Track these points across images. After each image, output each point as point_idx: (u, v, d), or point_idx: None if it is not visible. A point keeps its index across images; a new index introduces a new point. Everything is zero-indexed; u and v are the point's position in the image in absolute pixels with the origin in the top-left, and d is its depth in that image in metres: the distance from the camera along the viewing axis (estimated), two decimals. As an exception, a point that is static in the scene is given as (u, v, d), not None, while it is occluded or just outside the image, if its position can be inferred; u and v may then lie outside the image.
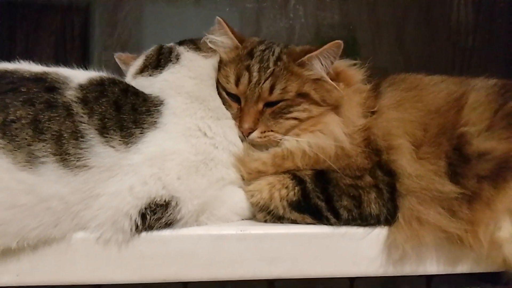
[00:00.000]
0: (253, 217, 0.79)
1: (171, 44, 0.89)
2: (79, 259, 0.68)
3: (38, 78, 0.70)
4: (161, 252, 0.70)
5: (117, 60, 0.93)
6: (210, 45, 0.88)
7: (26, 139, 0.63)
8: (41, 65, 0.77)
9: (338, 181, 0.75)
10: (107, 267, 0.69)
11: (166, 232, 0.70)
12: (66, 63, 0.79)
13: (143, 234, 0.69)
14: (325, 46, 0.81)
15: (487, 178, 0.72)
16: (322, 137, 0.79)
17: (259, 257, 0.72)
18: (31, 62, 0.80)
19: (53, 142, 0.64)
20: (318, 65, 0.82)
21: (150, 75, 0.82)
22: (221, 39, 0.88)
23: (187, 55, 0.85)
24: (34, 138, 0.64)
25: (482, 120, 0.77)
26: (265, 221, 0.77)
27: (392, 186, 0.75)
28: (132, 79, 0.84)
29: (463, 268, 0.77)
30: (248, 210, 0.79)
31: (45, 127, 0.65)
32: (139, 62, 0.87)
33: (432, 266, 0.76)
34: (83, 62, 0.98)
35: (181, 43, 0.89)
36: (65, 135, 0.65)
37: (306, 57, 0.82)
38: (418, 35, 1.56)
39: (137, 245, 0.69)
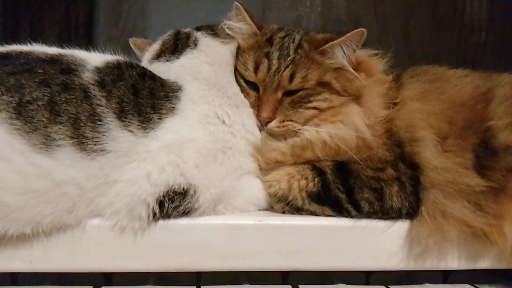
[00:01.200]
0: (270, 208, 0.77)
1: (189, 29, 0.87)
2: (94, 246, 0.67)
3: (54, 60, 0.68)
4: (177, 241, 0.68)
5: (131, 45, 0.92)
6: (228, 31, 0.85)
7: (42, 121, 0.61)
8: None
9: (360, 173, 0.73)
10: (121, 255, 0.67)
11: (183, 221, 0.68)
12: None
13: (160, 222, 0.67)
14: (348, 34, 0.78)
15: (515, 172, 0.70)
16: (343, 127, 0.77)
17: (277, 248, 0.70)
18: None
19: (70, 124, 0.62)
20: (340, 53, 0.80)
21: (167, 60, 0.80)
22: (239, 25, 0.85)
23: (205, 40, 0.83)
24: (50, 120, 0.62)
25: (508, 114, 0.75)
26: (283, 212, 0.75)
27: (415, 179, 0.73)
28: (147, 64, 0.82)
29: (484, 264, 0.75)
30: (265, 201, 0.77)
31: (62, 109, 0.63)
32: (155, 47, 0.85)
33: (453, 262, 0.74)
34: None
35: (198, 28, 0.87)
36: (82, 118, 0.63)
37: (327, 45, 0.79)
38: (425, 30, 1.53)
39: (153, 233, 0.67)
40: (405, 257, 0.72)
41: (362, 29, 0.78)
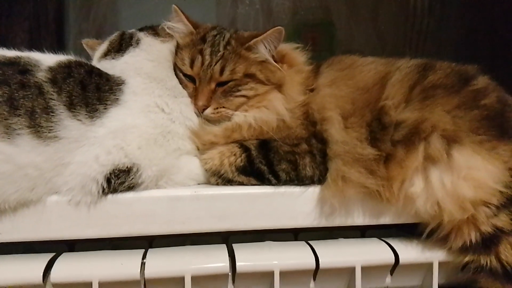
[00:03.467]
0: (207, 182, 0.92)
1: (133, 30, 1.00)
2: (54, 218, 0.79)
3: (12, 62, 0.80)
4: (125, 212, 0.81)
5: (84, 46, 1.03)
6: (168, 31, 0.98)
7: (3, 114, 0.73)
8: (15, 50, 0.87)
9: (278, 149, 0.88)
10: (78, 225, 0.80)
11: (130, 195, 0.82)
12: (41, 48, 0.87)
13: (109, 196, 0.80)
14: (268, 32, 0.92)
15: (401, 142, 0.86)
16: (266, 112, 0.92)
17: (211, 214, 0.84)
18: (4, 48, 0.90)
19: (27, 116, 0.75)
20: (263, 48, 0.94)
21: (112, 58, 0.92)
22: (177, 25, 0.98)
23: (146, 40, 0.95)
24: (10, 113, 0.74)
25: (399, 94, 0.91)
26: (217, 184, 0.89)
27: (324, 151, 0.89)
28: (97, 62, 0.94)
29: (386, 219, 0.91)
30: (203, 176, 0.91)
31: (20, 104, 0.75)
32: (103, 47, 0.97)
33: (358, 218, 0.90)
34: (59, 47, 1.04)
35: (141, 29, 1.00)
36: (37, 110, 0.75)
37: (252, 41, 0.93)
38: (392, 18, 1.63)
39: (104, 206, 0.80)
40: (317, 216, 0.88)
41: (280, 27, 0.92)
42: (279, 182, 0.87)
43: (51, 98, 0.77)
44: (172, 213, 0.83)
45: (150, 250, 0.85)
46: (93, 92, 0.82)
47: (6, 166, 0.73)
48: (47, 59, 0.83)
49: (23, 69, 0.79)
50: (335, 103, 0.92)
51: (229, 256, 0.85)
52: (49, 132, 0.75)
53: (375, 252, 0.90)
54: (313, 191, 0.88)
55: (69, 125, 0.77)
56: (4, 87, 0.75)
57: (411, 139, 0.86)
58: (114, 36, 0.98)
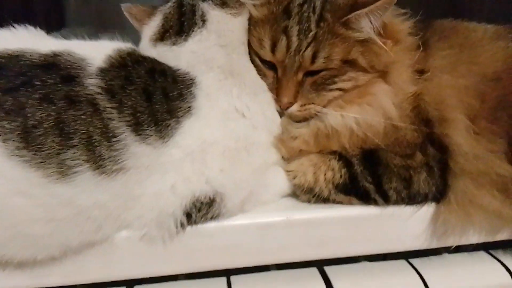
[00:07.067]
0: (293, 194, 0.76)
1: (193, -3, 0.75)
2: (125, 256, 0.66)
3: (50, 64, 0.60)
4: (207, 244, 0.68)
5: (126, 14, 0.78)
6: (237, -3, 0.74)
7: (53, 146, 0.56)
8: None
9: (388, 162, 0.71)
10: (153, 262, 0.67)
11: (211, 225, 0.67)
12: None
13: (188, 228, 0.66)
14: (378, 3, 0.68)
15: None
16: (370, 111, 0.72)
17: (307, 241, 0.71)
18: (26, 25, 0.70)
19: (83, 147, 0.57)
20: (367, 24, 0.70)
21: (173, 44, 0.70)
22: (249, -11, 0.74)
23: (213, 14, 0.72)
24: (62, 144, 0.56)
25: None
26: (308, 202, 0.74)
27: (443, 162, 0.71)
28: (151, 45, 0.73)
29: (503, 235, 0.77)
30: (289, 189, 0.75)
31: (72, 130, 0.57)
32: (156, 22, 0.74)
33: (474, 236, 0.76)
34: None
35: (203, -6, 0.75)
36: (95, 137, 0.58)
37: (353, 15, 0.70)
38: None
39: (183, 239, 0.66)
40: (428, 237, 0.74)
41: (393, -4, 0.68)
42: (387, 202, 0.72)
43: (110, 118, 0.58)
44: (262, 243, 0.70)
45: (233, 278, 0.74)
46: (161, 103, 0.62)
47: (66, 211, 0.57)
48: (93, 55, 0.62)
49: (67, 74, 0.59)
50: (458, 98, 0.72)
51: (324, 283, 0.73)
52: (113, 164, 0.58)
53: (489, 274, 0.78)
54: (427, 210, 0.73)
55: (137, 151, 0.60)
56: (47, 105, 0.56)
57: None
58: (169, 7, 0.74)
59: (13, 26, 0.69)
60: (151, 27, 0.74)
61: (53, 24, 1.30)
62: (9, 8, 1.23)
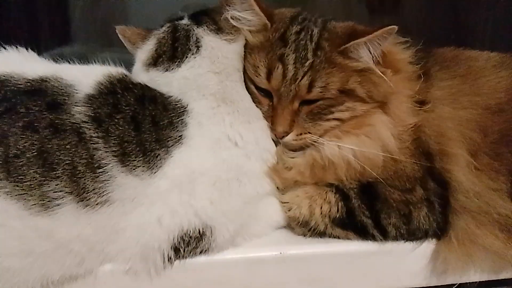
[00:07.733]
0: (287, 226, 0.73)
1: (186, 21, 0.74)
2: (108, 290, 0.63)
3: (37, 90, 0.58)
4: (195, 278, 0.65)
5: (120, 36, 0.77)
6: (232, 22, 0.73)
7: (35, 178, 0.53)
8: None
9: (387, 197, 0.68)
10: (138, 296, 0.64)
11: (200, 259, 0.64)
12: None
13: (176, 262, 0.63)
14: (377, 32, 0.66)
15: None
16: (368, 142, 0.70)
17: (299, 277, 0.68)
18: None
19: (67, 178, 0.55)
20: (366, 53, 0.69)
21: (166, 70, 0.69)
22: (245, 15, 0.72)
23: (208, 40, 0.70)
24: (44, 175, 0.54)
25: None
26: (303, 235, 0.71)
27: (444, 198, 0.68)
28: (143, 69, 0.71)
29: (507, 274, 0.74)
30: (284, 221, 0.72)
31: (56, 160, 0.54)
32: (150, 46, 0.72)
33: (475, 275, 0.72)
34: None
35: (197, 19, 0.74)
36: (79, 167, 0.55)
37: (351, 44, 0.68)
38: None
39: (170, 273, 0.63)
40: (428, 275, 0.71)
41: (394, 26, 0.67)
42: (385, 238, 0.68)
43: (96, 148, 0.56)
44: (252, 279, 0.67)
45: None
46: (150, 132, 0.60)
47: (46, 245, 0.55)
48: (81, 80, 0.61)
49: (53, 101, 0.57)
50: (459, 131, 0.70)
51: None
52: (98, 197, 0.56)
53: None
54: (427, 247, 0.70)
55: (123, 183, 0.57)
56: (31, 134, 0.54)
57: None
58: (163, 32, 0.72)
59: (4, 48, 0.68)
60: (144, 51, 0.73)
61: (58, 36, 1.29)
62: (14, 21, 1.23)
